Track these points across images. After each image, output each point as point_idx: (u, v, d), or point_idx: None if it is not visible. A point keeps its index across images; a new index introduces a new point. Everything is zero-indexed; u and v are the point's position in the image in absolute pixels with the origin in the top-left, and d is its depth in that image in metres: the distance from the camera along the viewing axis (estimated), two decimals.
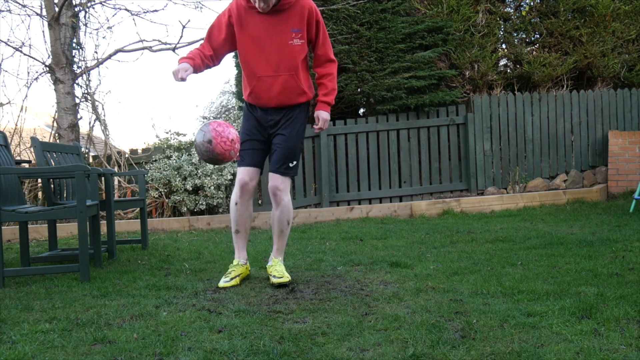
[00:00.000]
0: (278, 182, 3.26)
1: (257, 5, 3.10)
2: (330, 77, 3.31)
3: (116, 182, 6.94)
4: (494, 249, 4.24)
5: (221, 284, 3.19)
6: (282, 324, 2.41)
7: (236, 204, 3.30)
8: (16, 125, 6.97)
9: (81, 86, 7.11)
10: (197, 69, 3.21)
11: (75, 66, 6.97)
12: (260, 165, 3.35)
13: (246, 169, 3.28)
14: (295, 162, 3.29)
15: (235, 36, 3.24)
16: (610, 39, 8.15)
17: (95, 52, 7.96)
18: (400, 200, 7.51)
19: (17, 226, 4.45)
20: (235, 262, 3.34)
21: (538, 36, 8.42)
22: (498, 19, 8.17)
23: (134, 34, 31.59)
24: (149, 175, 6.60)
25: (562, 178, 7.99)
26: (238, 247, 3.39)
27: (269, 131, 3.30)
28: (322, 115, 3.31)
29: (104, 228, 4.98)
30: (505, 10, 8.45)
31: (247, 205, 3.33)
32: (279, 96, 3.21)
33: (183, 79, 3.08)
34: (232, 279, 3.22)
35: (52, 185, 4.12)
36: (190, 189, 6.54)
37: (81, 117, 6.98)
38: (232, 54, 7.84)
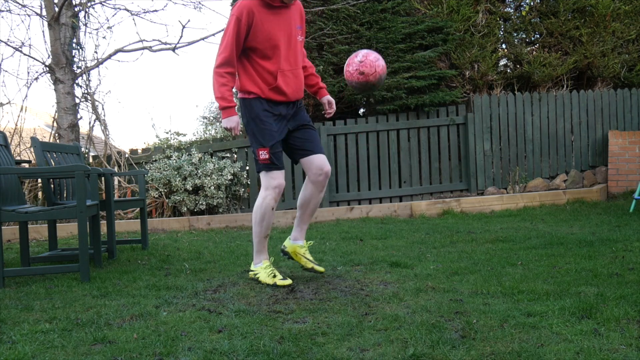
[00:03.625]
0: (328, 163, 3.40)
1: None
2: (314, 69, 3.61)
3: (116, 182, 6.94)
4: (494, 249, 4.24)
5: (280, 282, 3.19)
6: (282, 324, 2.41)
7: (272, 208, 3.31)
8: (16, 125, 6.97)
9: (81, 86, 7.11)
10: None
11: (75, 66, 6.97)
12: None
13: (282, 172, 3.30)
14: None
15: (248, 37, 3.20)
16: (610, 39, 8.15)
17: (95, 52, 7.97)
18: (400, 200, 7.51)
19: (17, 226, 4.45)
20: (269, 262, 3.36)
21: (538, 36, 8.43)
22: (498, 19, 8.17)
23: (134, 34, 31.64)
24: (149, 175, 6.60)
25: (562, 178, 7.99)
26: (265, 249, 3.41)
27: (288, 126, 3.35)
28: (330, 98, 3.61)
29: (104, 228, 4.98)
30: (505, 10, 8.46)
31: None
32: (299, 89, 3.36)
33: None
34: (283, 278, 3.26)
35: (52, 185, 4.12)
36: (190, 189, 6.54)
37: (81, 117, 6.99)
38: None
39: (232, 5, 7.68)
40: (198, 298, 2.92)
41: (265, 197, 3.27)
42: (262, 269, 3.30)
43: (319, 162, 3.34)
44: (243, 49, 3.22)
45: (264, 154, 3.21)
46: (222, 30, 7.36)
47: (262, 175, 3.29)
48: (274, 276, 3.24)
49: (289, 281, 3.21)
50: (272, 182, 3.25)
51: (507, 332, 2.20)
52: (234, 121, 3.22)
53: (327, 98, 3.60)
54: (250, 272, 3.39)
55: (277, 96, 3.26)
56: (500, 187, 7.79)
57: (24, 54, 6.93)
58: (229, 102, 3.19)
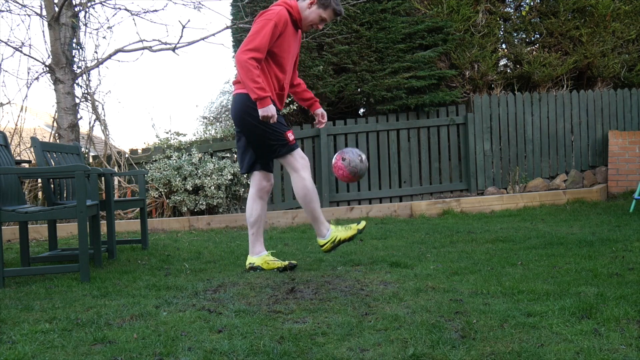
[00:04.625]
0: None
1: (319, 25, 3.61)
2: None
3: (116, 182, 6.94)
4: (494, 249, 4.24)
5: (359, 226, 3.68)
6: (282, 324, 2.41)
7: (312, 183, 3.61)
8: (16, 125, 6.97)
9: (81, 86, 7.11)
10: None
11: (75, 66, 6.97)
12: None
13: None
14: None
15: (276, 42, 3.49)
16: (610, 39, 8.15)
17: (95, 52, 7.97)
18: (400, 200, 7.51)
19: (17, 226, 4.45)
20: (333, 222, 3.81)
21: (538, 36, 8.43)
22: (498, 19, 8.17)
23: (134, 34, 31.62)
24: (149, 175, 6.60)
25: (562, 178, 7.99)
26: (323, 217, 3.71)
27: None
28: (323, 111, 3.92)
29: (104, 228, 4.98)
30: (505, 10, 8.46)
31: None
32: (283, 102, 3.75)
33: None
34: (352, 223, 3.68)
35: (52, 185, 4.12)
36: (190, 189, 6.54)
37: (81, 117, 6.99)
38: (232, 52, 7.85)
39: (247, 5, 7.67)
40: (198, 298, 2.92)
41: (304, 178, 3.56)
42: (337, 230, 3.65)
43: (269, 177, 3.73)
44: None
45: (291, 135, 3.53)
46: (223, 30, 7.35)
47: (292, 157, 3.56)
48: (350, 227, 3.65)
49: (363, 223, 3.71)
50: (303, 161, 3.57)
51: (507, 332, 2.20)
52: (273, 110, 3.40)
53: (320, 110, 3.91)
54: (326, 245, 3.66)
55: (276, 103, 3.58)
56: (500, 187, 7.79)
57: (24, 54, 6.93)
58: (266, 91, 3.39)
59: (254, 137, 3.54)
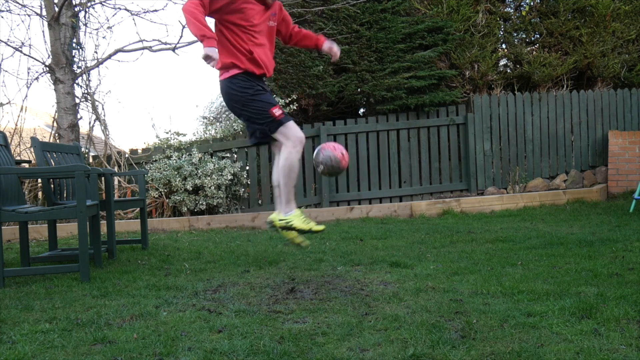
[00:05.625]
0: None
1: None
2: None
3: (116, 182, 6.94)
4: (494, 249, 4.24)
5: (315, 227, 3.34)
6: (282, 324, 2.41)
7: (298, 160, 3.41)
8: (16, 125, 6.97)
9: (81, 86, 7.11)
10: None
11: (75, 66, 6.97)
12: None
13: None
14: None
15: (235, 5, 3.29)
16: (610, 39, 8.15)
17: (95, 52, 7.99)
18: (400, 200, 7.51)
19: (17, 226, 4.45)
20: (300, 210, 3.46)
21: (538, 36, 8.43)
22: (498, 19, 8.17)
23: (134, 34, 31.60)
24: (149, 175, 6.60)
25: (562, 178, 7.99)
26: (294, 198, 3.49)
27: None
28: (332, 42, 3.73)
29: (104, 228, 4.98)
30: (505, 10, 8.46)
31: None
32: (272, 66, 3.51)
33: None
34: (318, 223, 3.40)
35: (52, 185, 4.12)
36: (190, 189, 6.54)
37: (81, 117, 6.99)
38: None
39: None
40: (198, 298, 2.92)
41: (290, 152, 3.35)
42: (296, 217, 3.39)
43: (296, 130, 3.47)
44: (222, 20, 3.31)
45: (278, 111, 3.34)
46: None
47: (284, 131, 3.36)
48: (309, 222, 3.37)
49: (322, 227, 3.37)
50: (296, 135, 3.36)
51: (507, 332, 2.20)
52: (214, 52, 3.16)
53: (328, 44, 3.72)
54: (281, 221, 3.42)
55: (256, 68, 3.38)
56: (500, 187, 7.79)
57: (24, 54, 6.93)
58: (211, 33, 3.19)
59: (244, 119, 3.50)
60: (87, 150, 7.23)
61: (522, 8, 8.50)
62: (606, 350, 1.98)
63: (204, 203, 6.58)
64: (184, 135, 7.31)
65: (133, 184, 6.80)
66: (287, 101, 7.17)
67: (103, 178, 5.38)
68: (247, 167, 7.18)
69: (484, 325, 2.30)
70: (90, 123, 7.22)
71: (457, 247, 4.41)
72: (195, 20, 3.16)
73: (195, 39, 6.67)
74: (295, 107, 7.36)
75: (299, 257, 4.10)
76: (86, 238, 3.50)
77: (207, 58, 3.15)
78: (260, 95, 3.36)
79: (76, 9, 6.95)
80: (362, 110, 8.51)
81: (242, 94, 3.34)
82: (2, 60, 10.30)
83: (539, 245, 4.29)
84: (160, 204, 6.72)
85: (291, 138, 3.37)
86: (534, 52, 8.39)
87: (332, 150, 3.45)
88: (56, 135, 6.84)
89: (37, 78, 7.05)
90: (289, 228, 3.39)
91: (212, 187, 6.53)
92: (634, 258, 3.63)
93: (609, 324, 2.25)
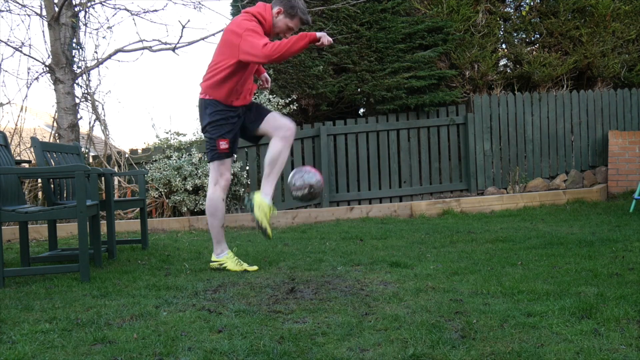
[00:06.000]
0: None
1: (286, 33, 3.61)
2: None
3: (116, 182, 6.94)
4: (494, 249, 4.24)
5: (249, 268, 3.60)
6: (282, 324, 2.41)
7: (223, 200, 3.65)
8: (16, 125, 6.97)
9: (81, 86, 7.11)
10: None
11: (75, 66, 6.97)
12: None
13: (230, 165, 3.66)
14: None
15: None
16: (610, 39, 8.15)
17: (95, 52, 8.00)
18: (400, 200, 7.51)
19: (17, 226, 4.45)
20: (232, 252, 3.73)
21: (538, 36, 8.43)
22: (498, 19, 8.17)
23: (134, 34, 31.63)
24: (149, 175, 6.60)
25: (562, 178, 7.99)
26: (224, 239, 3.76)
27: (243, 118, 3.71)
28: (267, 76, 4.01)
29: (104, 228, 4.97)
30: (505, 10, 8.46)
31: None
32: (250, 96, 3.78)
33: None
34: (250, 264, 3.66)
35: (52, 185, 4.12)
36: (190, 189, 6.54)
37: (81, 117, 6.99)
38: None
39: (233, 5, 7.67)
40: (198, 298, 2.92)
41: (214, 191, 3.64)
42: (228, 259, 3.65)
43: (283, 120, 3.65)
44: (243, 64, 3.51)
45: (224, 144, 3.55)
46: (222, 30, 7.36)
47: (214, 167, 3.61)
48: (241, 264, 3.61)
49: (255, 267, 3.61)
50: (222, 177, 3.62)
51: (507, 332, 2.20)
52: (323, 34, 3.35)
53: (265, 75, 4.00)
54: (214, 263, 3.69)
55: (240, 101, 3.64)
56: (500, 187, 7.79)
57: (24, 54, 6.93)
58: (301, 34, 3.35)
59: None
60: (87, 150, 7.23)
61: (522, 8, 8.51)
62: (606, 350, 1.98)
63: (204, 203, 6.57)
64: (184, 135, 7.31)
65: (133, 184, 6.80)
66: (287, 101, 7.17)
67: (103, 178, 5.38)
68: (247, 167, 7.17)
69: (484, 325, 2.30)
70: (90, 123, 7.23)
71: (457, 247, 4.41)
72: (285, 47, 3.32)
73: (196, 39, 6.68)
74: (295, 107, 7.36)
75: (299, 257, 4.10)
76: (86, 238, 3.50)
77: (324, 37, 3.34)
78: (223, 120, 3.57)
79: (76, 9, 6.95)
80: (362, 110, 8.51)
81: (209, 110, 3.57)
82: (2, 60, 10.31)
83: (539, 245, 4.29)
84: (160, 204, 6.72)
85: (212, 177, 3.63)
86: (534, 52, 8.39)
87: (316, 173, 3.53)
88: (56, 135, 6.84)
89: (37, 78, 7.06)
90: (221, 270, 3.63)
91: None
92: (634, 258, 3.63)
93: (609, 324, 2.25)
